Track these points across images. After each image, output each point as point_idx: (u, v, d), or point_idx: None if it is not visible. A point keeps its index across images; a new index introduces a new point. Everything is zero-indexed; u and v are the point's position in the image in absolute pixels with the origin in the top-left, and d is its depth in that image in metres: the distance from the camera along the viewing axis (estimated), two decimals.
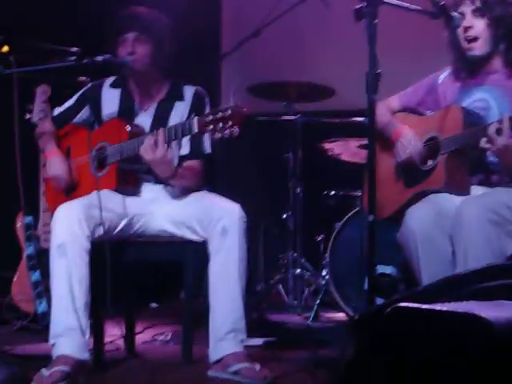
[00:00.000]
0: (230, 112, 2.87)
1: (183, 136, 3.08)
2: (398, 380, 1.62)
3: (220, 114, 2.88)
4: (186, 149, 3.44)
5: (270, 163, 5.57)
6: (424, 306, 1.63)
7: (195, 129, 2.97)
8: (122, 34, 3.39)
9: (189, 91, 3.52)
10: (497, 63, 3.21)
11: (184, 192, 3.38)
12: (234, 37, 4.87)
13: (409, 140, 3.28)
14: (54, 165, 3.54)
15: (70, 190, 3.54)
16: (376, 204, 2.63)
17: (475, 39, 3.16)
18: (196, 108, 3.43)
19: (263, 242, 5.19)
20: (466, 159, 3.13)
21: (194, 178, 3.41)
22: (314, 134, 4.91)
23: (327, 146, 4.94)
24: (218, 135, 2.89)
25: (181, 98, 3.50)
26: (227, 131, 2.87)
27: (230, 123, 2.86)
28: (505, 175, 3.13)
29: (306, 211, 4.95)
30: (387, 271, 4.31)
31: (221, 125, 2.87)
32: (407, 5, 2.76)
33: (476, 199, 2.96)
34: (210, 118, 2.91)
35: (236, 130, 2.86)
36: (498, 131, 2.90)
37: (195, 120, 2.98)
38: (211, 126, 2.90)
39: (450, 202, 3.03)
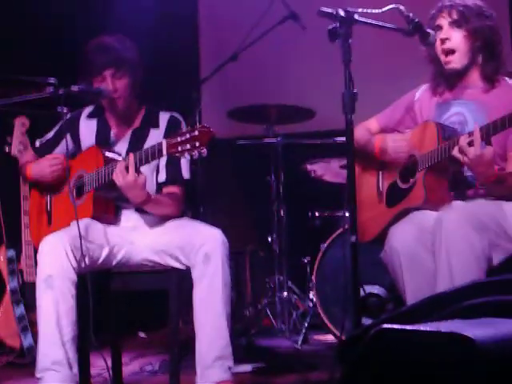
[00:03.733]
0: (196, 133, 2.87)
1: (153, 159, 3.07)
2: None
3: (187, 136, 2.89)
4: (162, 175, 3.41)
5: (252, 186, 5.55)
6: (408, 327, 1.61)
7: (164, 151, 2.97)
8: (98, 71, 3.35)
9: (164, 118, 3.50)
10: (474, 76, 3.21)
11: (164, 219, 3.36)
12: (213, 62, 4.87)
13: (394, 138, 3.26)
14: (34, 168, 3.48)
15: (51, 219, 3.50)
16: (360, 227, 2.61)
17: (452, 52, 3.16)
18: (171, 134, 3.41)
19: (249, 266, 5.16)
20: (446, 175, 3.11)
21: (173, 205, 3.37)
22: (296, 156, 4.91)
23: (309, 167, 4.93)
24: (186, 156, 2.90)
25: (155, 125, 3.48)
26: (195, 152, 2.88)
27: (198, 144, 2.87)
28: (479, 189, 3.11)
29: (290, 233, 4.93)
30: (374, 291, 4.29)
31: (188, 146, 2.88)
32: (381, 23, 2.76)
33: (456, 206, 2.94)
34: (178, 139, 2.91)
35: (204, 150, 2.86)
36: (470, 143, 2.89)
37: (164, 142, 2.98)
38: (179, 148, 2.90)
39: (431, 218, 3.01)
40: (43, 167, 3.45)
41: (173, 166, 3.37)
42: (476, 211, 2.88)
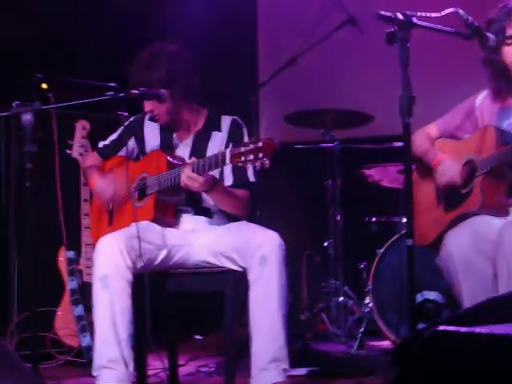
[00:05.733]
0: (260, 144, 2.88)
1: (216, 168, 3.09)
2: None
3: (251, 146, 2.90)
4: (229, 179, 3.42)
5: (309, 191, 5.55)
6: (462, 329, 1.60)
7: (227, 160, 2.98)
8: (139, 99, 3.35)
9: (226, 122, 3.51)
10: None
11: (223, 222, 3.41)
12: (271, 66, 4.89)
13: (448, 166, 3.25)
14: (104, 187, 3.53)
15: (112, 220, 3.56)
16: (418, 231, 2.60)
17: None
18: (233, 138, 3.43)
19: (306, 270, 5.15)
20: (504, 180, 3.09)
21: (241, 205, 3.41)
22: (353, 161, 4.89)
23: (367, 172, 4.92)
24: (248, 167, 2.92)
25: (218, 128, 3.50)
26: (258, 163, 2.89)
27: (261, 155, 2.88)
28: None
29: (347, 238, 4.91)
30: (431, 297, 4.27)
31: (251, 157, 2.89)
32: (440, 27, 2.74)
33: None
34: (242, 149, 2.92)
35: (266, 161, 2.88)
36: None
37: (227, 151, 2.99)
38: (243, 158, 2.92)
39: (488, 224, 3.00)
40: (108, 187, 3.50)
41: (239, 169, 3.38)
42: None
